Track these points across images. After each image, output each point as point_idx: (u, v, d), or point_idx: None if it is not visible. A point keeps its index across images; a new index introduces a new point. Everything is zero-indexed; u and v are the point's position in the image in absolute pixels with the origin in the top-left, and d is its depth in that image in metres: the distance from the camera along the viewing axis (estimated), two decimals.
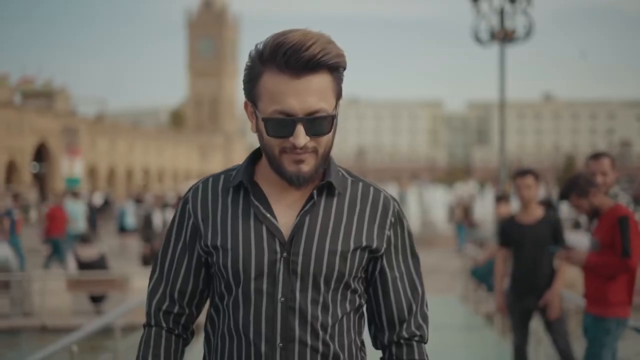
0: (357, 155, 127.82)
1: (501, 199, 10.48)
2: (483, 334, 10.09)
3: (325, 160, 1.80)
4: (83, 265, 12.88)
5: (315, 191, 1.81)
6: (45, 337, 10.95)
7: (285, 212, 1.82)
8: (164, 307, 1.89)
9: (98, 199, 38.48)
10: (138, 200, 34.59)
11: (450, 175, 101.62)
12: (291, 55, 1.68)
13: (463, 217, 23.59)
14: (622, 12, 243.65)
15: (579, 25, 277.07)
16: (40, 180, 58.84)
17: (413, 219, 28.77)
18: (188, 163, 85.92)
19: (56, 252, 16.44)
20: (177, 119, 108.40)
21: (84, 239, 13.41)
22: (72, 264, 13.30)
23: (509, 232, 6.07)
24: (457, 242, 23.83)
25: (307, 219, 1.80)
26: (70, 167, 57.00)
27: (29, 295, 12.45)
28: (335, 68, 1.74)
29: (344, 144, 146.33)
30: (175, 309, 1.89)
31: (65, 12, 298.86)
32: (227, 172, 1.90)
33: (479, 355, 8.95)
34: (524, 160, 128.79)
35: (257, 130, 1.78)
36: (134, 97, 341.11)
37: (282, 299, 1.77)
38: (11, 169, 56.01)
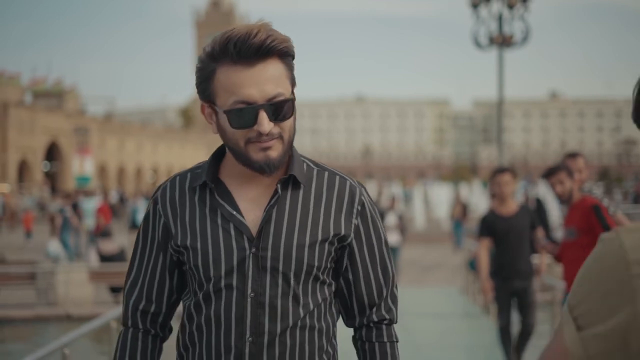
0: (364, 154, 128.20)
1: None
2: (480, 321, 10.80)
3: (291, 147, 1.81)
4: (104, 258, 13.65)
5: (279, 185, 1.81)
6: (69, 325, 11.63)
7: (251, 207, 1.82)
8: (141, 306, 1.90)
9: (113, 197, 39.23)
10: (149, 198, 35.25)
11: (456, 174, 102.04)
12: (242, 45, 1.70)
13: (461, 215, 24.19)
14: (626, 9, 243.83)
15: (585, 23, 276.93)
16: (52, 178, 59.61)
17: (418, 216, 29.41)
18: (196, 161, 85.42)
19: None
20: (184, 117, 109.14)
21: (105, 233, 14.20)
22: (93, 257, 14.04)
23: (493, 224, 6.76)
24: (453, 239, 24.35)
25: (274, 213, 1.80)
26: (80, 166, 57.62)
27: (53, 286, 13.19)
28: (284, 54, 1.76)
29: (351, 143, 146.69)
30: (152, 308, 1.90)
31: (72, 11, 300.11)
32: (193, 171, 1.90)
33: (476, 339, 9.66)
34: (530, 159, 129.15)
35: (220, 128, 1.79)
36: (142, 96, 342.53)
37: (252, 294, 1.78)
38: (23, 168, 56.83)
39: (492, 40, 13.90)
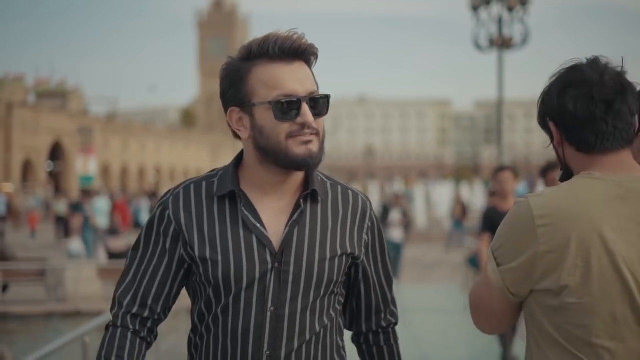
0: (366, 154, 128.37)
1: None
2: None
3: (324, 147, 1.83)
4: (112, 255, 13.97)
5: (302, 200, 1.82)
6: (79, 320, 11.91)
7: (273, 221, 1.81)
8: (134, 310, 1.84)
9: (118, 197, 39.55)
10: (153, 195, 35.47)
11: (458, 174, 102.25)
12: (283, 43, 1.76)
13: (461, 214, 24.43)
14: (629, 9, 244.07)
15: (587, 23, 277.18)
16: (55, 178, 59.89)
17: (419, 216, 29.65)
18: (199, 162, 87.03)
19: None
20: (187, 118, 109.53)
21: (113, 231, 14.53)
22: (102, 254, 14.35)
23: (494, 219, 7.04)
24: (448, 238, 24.49)
25: (296, 228, 1.80)
26: (84, 166, 57.94)
27: (62, 282, 13.50)
28: (310, 61, 1.82)
29: (353, 143, 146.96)
30: (145, 313, 1.85)
31: (73, 12, 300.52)
32: (207, 179, 1.87)
33: (476, 334, 9.89)
34: (532, 159, 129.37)
35: (256, 127, 1.79)
36: (143, 97, 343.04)
37: (272, 308, 1.77)
38: (27, 168, 57.12)
39: (492, 43, 14.18)
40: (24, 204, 40.57)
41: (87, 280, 13.44)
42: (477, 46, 14.35)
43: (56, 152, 60.47)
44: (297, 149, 1.76)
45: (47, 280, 13.52)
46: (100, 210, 19.73)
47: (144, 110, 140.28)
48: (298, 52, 1.77)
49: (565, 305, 1.68)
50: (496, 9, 14.23)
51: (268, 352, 1.76)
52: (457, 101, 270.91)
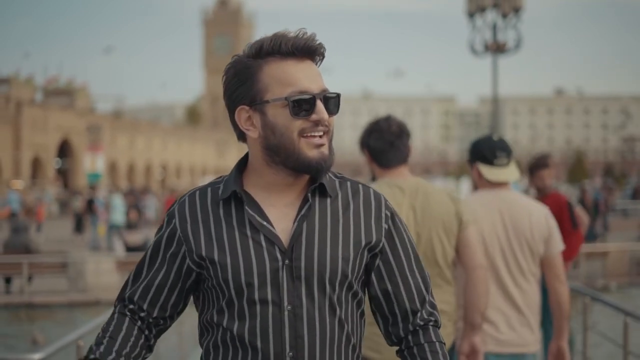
0: None
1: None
2: None
3: (332, 145, 1.79)
4: (130, 249, 14.81)
5: (309, 194, 1.77)
6: (100, 309, 12.73)
7: (280, 218, 1.77)
8: (131, 306, 1.84)
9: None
10: (129, 193, 36.17)
11: (462, 170, 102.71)
12: (295, 41, 1.73)
13: None
14: (632, 6, 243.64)
15: (592, 20, 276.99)
16: (63, 175, 60.70)
17: None
18: (205, 159, 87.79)
19: None
20: (192, 115, 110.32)
21: (131, 226, 15.37)
22: (120, 247, 15.17)
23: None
24: None
25: (305, 223, 1.75)
26: (92, 163, 58.63)
27: (83, 274, 14.35)
28: (317, 61, 1.79)
29: (357, 139, 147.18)
30: (142, 314, 1.83)
31: (80, 9, 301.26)
32: (213, 185, 1.83)
33: None
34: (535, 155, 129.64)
35: (267, 125, 1.74)
36: (148, 94, 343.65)
37: (289, 307, 1.72)
38: (36, 165, 57.96)
39: (486, 48, 14.99)
40: (34, 199, 41.31)
41: (106, 272, 14.27)
42: (473, 51, 15.15)
43: (64, 150, 61.26)
44: (310, 152, 1.74)
45: (68, 272, 14.35)
46: (119, 207, 20.44)
47: (149, 107, 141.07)
48: (310, 50, 1.75)
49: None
50: (491, 15, 15.05)
51: (291, 354, 1.71)
52: (462, 98, 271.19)
